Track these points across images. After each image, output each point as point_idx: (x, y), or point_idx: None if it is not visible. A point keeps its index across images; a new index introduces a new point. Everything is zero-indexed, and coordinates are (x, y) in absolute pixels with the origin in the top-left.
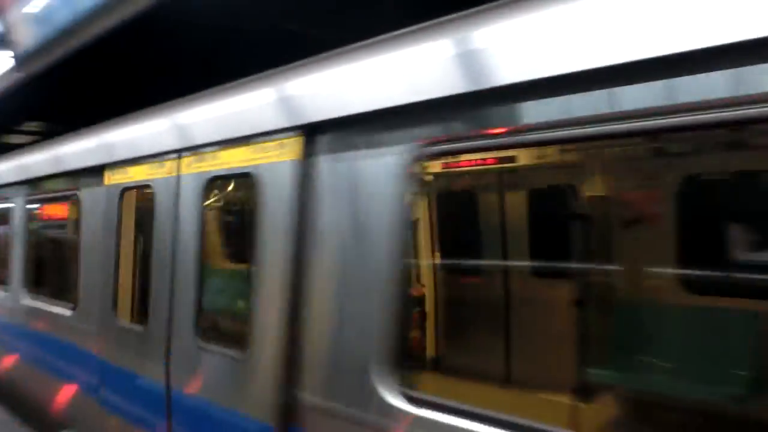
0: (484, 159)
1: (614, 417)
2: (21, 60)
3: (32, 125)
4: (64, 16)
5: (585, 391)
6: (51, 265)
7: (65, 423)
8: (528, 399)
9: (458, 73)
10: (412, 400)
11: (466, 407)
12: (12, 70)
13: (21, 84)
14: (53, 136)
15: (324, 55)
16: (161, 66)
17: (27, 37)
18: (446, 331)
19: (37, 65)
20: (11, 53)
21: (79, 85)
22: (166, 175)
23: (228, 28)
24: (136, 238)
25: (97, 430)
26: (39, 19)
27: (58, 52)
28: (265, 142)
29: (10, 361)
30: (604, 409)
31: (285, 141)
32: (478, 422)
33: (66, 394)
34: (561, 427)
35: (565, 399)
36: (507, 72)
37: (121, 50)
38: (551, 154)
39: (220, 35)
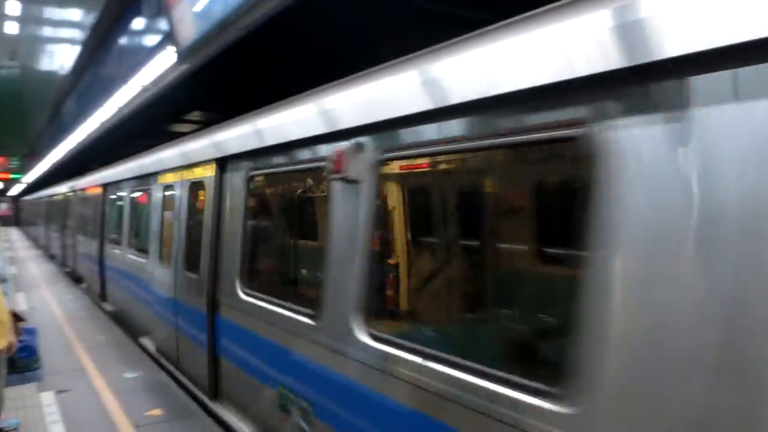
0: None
1: None
2: (183, 54)
3: (195, 115)
4: (220, 12)
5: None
6: (142, 232)
7: (142, 327)
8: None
9: (258, 136)
10: (246, 293)
11: (259, 294)
12: (176, 64)
13: (186, 76)
14: (211, 125)
15: (230, 120)
16: (308, 54)
17: (188, 32)
18: (258, 267)
19: (197, 58)
20: (175, 48)
21: (232, 76)
22: (179, 180)
23: (374, 12)
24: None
25: (149, 324)
26: (198, 15)
27: (214, 45)
28: (206, 165)
29: (120, 291)
30: None
31: (212, 165)
32: (255, 299)
33: (141, 309)
34: None
35: None
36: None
37: (269, 41)
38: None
39: (367, 20)
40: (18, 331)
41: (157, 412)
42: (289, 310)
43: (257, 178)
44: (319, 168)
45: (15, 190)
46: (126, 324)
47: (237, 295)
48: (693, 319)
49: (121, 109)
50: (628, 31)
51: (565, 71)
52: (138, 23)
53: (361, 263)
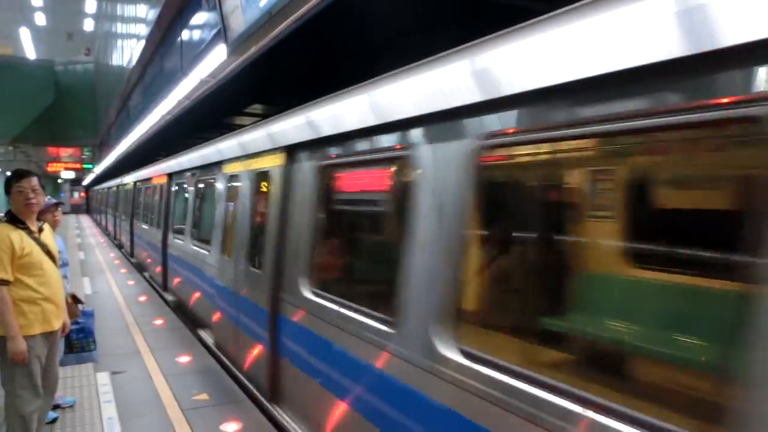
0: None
1: None
2: (234, 46)
3: (256, 108)
4: (267, 3)
5: None
6: (150, 211)
7: (146, 268)
8: None
9: (178, 164)
10: (174, 237)
11: (176, 236)
12: (229, 57)
13: (241, 69)
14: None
15: (175, 154)
16: (364, 45)
17: (238, 24)
18: (176, 224)
19: (249, 51)
20: (226, 41)
21: (287, 68)
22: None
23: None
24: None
25: (148, 263)
26: (246, 7)
27: (265, 37)
28: (164, 175)
29: (139, 249)
30: None
31: (165, 176)
32: (174, 239)
33: (146, 256)
34: None
35: None
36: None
37: (323, 32)
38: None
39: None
40: (76, 314)
41: (204, 396)
42: (179, 239)
43: (177, 183)
44: (185, 182)
45: (86, 180)
46: (140, 268)
47: (170, 238)
48: None
49: (181, 102)
50: None
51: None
52: (197, 18)
53: (193, 218)
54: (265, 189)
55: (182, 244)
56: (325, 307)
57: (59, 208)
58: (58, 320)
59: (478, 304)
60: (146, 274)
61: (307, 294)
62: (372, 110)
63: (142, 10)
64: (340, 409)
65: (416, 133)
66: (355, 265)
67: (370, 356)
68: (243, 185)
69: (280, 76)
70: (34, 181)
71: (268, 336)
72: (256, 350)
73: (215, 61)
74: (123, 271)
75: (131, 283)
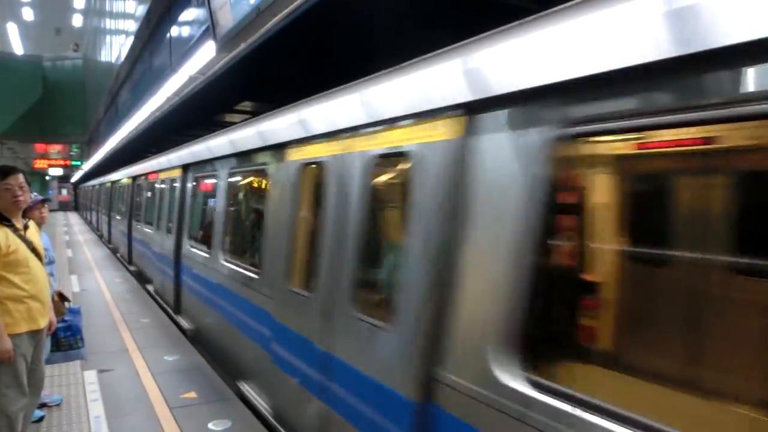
0: (140, 184)
1: None
2: (223, 42)
3: (246, 105)
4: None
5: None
6: (123, 206)
7: (118, 248)
8: None
9: (140, 170)
10: (134, 222)
11: (135, 222)
12: (218, 54)
13: (229, 66)
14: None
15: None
16: (353, 43)
17: (226, 21)
18: (135, 213)
19: (237, 46)
20: (214, 37)
21: (277, 66)
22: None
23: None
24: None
25: (118, 243)
26: (235, 3)
27: (254, 35)
28: (129, 179)
29: (115, 236)
30: None
31: (131, 179)
32: (134, 223)
33: (118, 240)
34: None
35: None
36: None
37: (310, 30)
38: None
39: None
40: (62, 311)
41: (192, 394)
42: (137, 225)
43: (137, 184)
44: (141, 183)
45: (74, 177)
46: (114, 251)
47: (133, 224)
48: None
49: (170, 98)
50: None
51: None
52: (186, 14)
53: (145, 208)
54: (173, 189)
55: (140, 228)
56: (192, 251)
57: (46, 205)
58: (44, 318)
59: (233, 243)
60: (118, 255)
61: (188, 246)
62: (207, 149)
63: (131, 6)
64: (199, 305)
65: (218, 164)
66: (202, 227)
67: (206, 272)
68: (166, 186)
69: (269, 74)
70: (21, 178)
71: (173, 274)
72: (170, 285)
73: (204, 57)
74: (111, 269)
75: (118, 281)
